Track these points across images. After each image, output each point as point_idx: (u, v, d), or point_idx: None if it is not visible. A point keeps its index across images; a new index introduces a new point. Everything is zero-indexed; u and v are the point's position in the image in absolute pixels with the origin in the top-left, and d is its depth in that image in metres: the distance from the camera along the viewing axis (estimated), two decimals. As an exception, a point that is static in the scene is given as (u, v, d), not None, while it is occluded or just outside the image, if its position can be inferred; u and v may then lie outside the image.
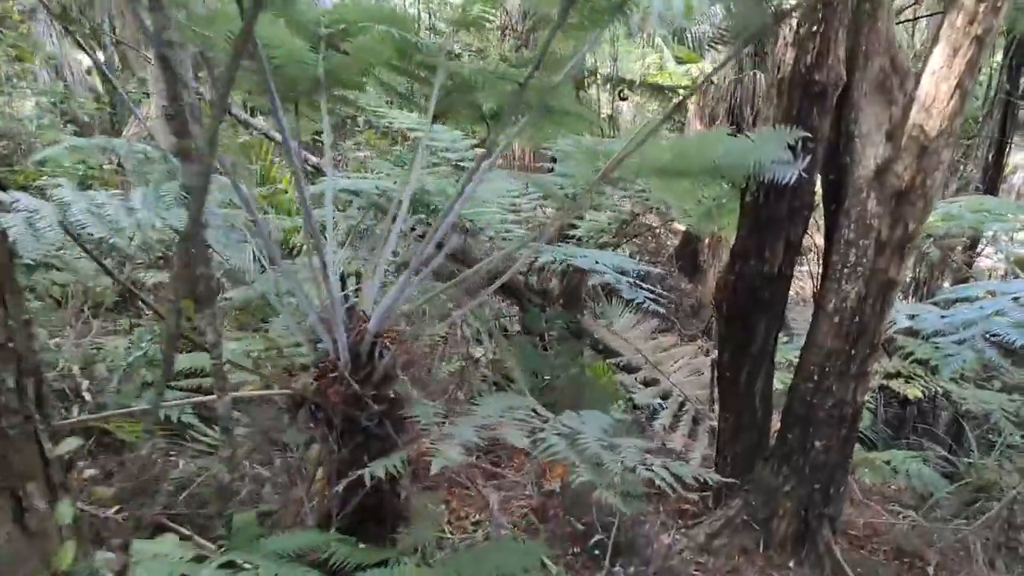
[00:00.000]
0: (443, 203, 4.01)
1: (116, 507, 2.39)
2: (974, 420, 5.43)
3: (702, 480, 3.60)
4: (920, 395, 4.66)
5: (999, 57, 7.21)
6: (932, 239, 4.21)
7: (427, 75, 2.00)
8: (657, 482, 1.30)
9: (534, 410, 1.46)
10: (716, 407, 3.09)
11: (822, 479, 2.70)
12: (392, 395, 1.60)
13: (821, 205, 2.53)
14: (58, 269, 3.77)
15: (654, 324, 4.13)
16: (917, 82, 2.24)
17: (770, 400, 2.81)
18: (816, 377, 2.58)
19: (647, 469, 1.30)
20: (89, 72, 8.20)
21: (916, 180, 2.28)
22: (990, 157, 7.45)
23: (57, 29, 7.65)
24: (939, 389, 4.71)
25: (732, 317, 2.69)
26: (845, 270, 2.44)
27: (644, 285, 3.18)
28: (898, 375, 4.73)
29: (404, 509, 1.70)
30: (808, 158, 2.28)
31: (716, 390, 2.98)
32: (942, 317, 2.56)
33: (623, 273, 3.07)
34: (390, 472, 1.40)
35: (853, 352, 2.51)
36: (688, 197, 2.70)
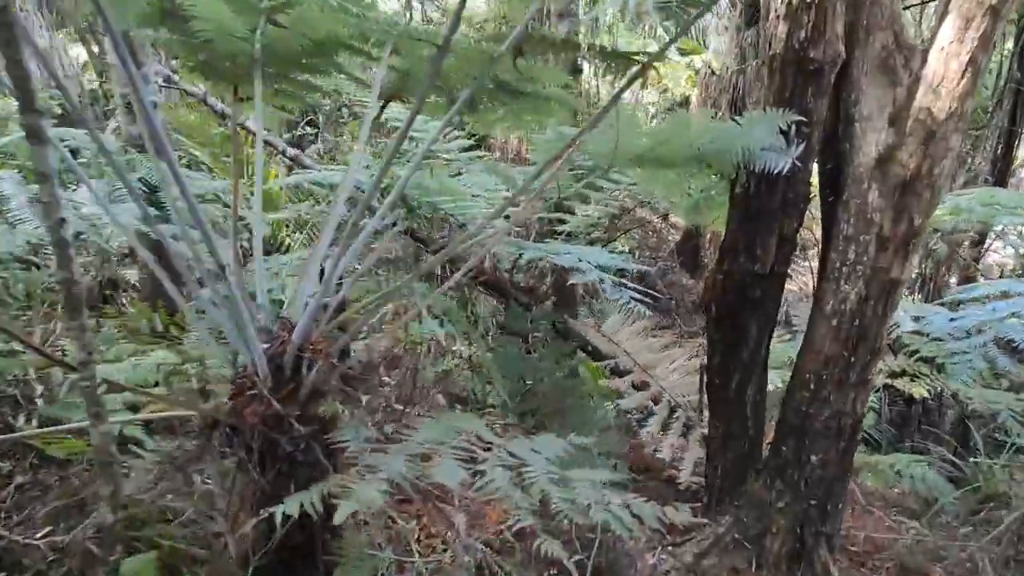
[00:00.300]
0: (418, 197, 3.80)
1: (46, 530, 2.20)
2: (980, 419, 5.29)
3: (693, 488, 3.37)
4: (926, 394, 4.51)
5: (1009, 44, 6.98)
6: (939, 234, 3.97)
7: (374, 51, 1.78)
8: (614, 527, 1.10)
9: (479, 436, 1.25)
10: (706, 413, 2.88)
11: (819, 495, 2.49)
12: (322, 415, 1.39)
13: (818, 197, 2.31)
14: (36, 267, 3.60)
15: (646, 323, 3.91)
16: (924, 60, 2.01)
17: (763, 409, 2.60)
18: (812, 385, 2.37)
19: (604, 509, 1.10)
20: (85, 66, 8.00)
21: (922, 169, 2.06)
22: (999, 149, 7.21)
23: (46, 21, 7.45)
24: (945, 388, 4.56)
25: (721, 318, 2.48)
26: (844, 269, 2.22)
27: (629, 285, 2.97)
28: (903, 373, 4.57)
29: (340, 545, 1.50)
30: (803, 144, 2.06)
31: (706, 396, 2.77)
32: (951, 320, 2.34)
33: (620, 272, 2.86)
34: (316, 505, 1.20)
35: (853, 359, 2.29)
36: (675, 189, 2.48)
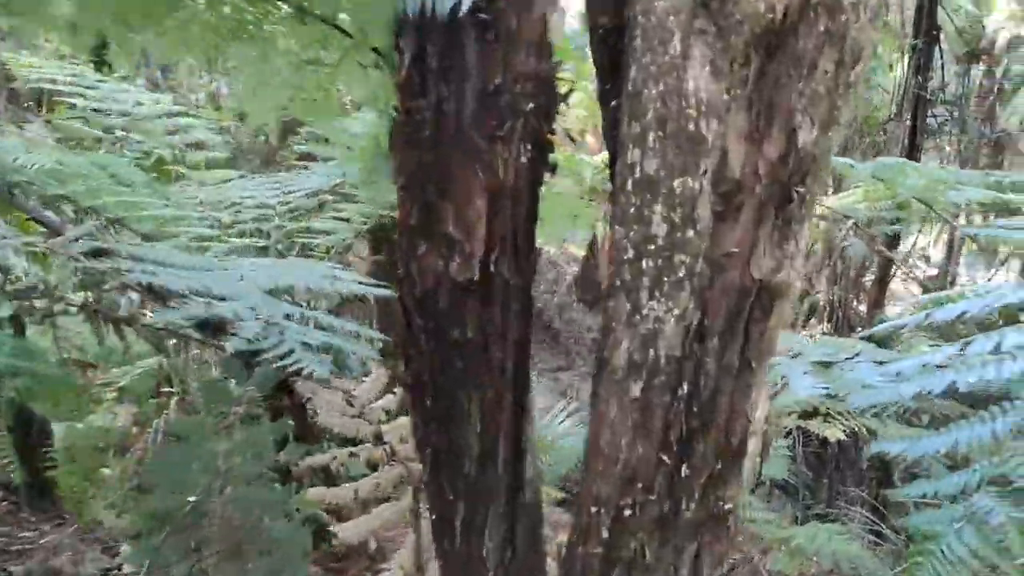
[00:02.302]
0: (81, 194, 2.46)
1: None
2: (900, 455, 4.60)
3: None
4: (842, 436, 3.82)
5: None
6: (852, 223, 2.75)
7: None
8: None
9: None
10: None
11: None
12: None
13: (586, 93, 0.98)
14: None
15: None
16: None
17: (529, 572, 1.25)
18: (606, 533, 1.04)
19: None
20: None
21: (809, -8, 0.80)
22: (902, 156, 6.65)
23: None
24: (861, 428, 3.91)
25: (418, 386, 1.13)
26: (646, 263, 0.93)
27: (326, 322, 1.65)
28: (815, 413, 3.86)
29: None
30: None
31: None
32: (882, 373, 1.07)
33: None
34: None
35: (686, 468, 0.98)
36: (318, 105, 1.14)
